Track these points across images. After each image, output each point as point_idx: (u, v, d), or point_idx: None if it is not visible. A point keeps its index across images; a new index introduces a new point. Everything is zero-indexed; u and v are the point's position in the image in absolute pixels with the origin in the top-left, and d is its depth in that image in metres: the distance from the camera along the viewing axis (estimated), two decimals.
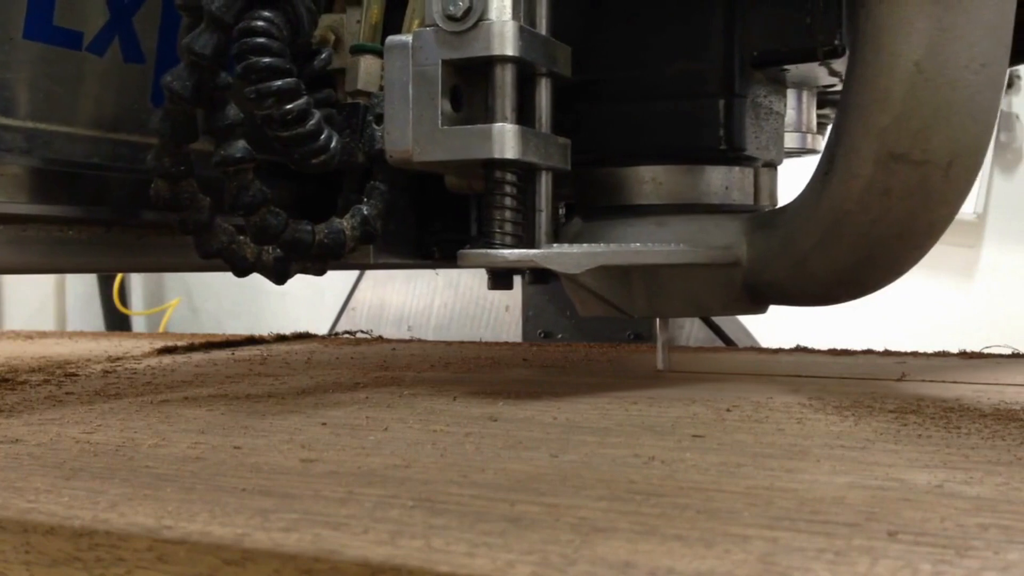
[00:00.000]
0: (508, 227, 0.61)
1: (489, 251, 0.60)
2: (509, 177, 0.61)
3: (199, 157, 0.60)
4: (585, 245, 0.64)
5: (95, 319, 2.40)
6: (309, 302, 2.14)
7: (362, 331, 1.15)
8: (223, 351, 0.99)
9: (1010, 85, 1.93)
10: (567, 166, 0.65)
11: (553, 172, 0.64)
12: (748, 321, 1.35)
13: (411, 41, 0.59)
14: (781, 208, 0.69)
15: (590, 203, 0.71)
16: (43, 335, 1.31)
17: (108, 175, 0.65)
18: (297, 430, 0.52)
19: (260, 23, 0.56)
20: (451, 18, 0.58)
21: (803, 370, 0.76)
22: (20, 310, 2.56)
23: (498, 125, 0.59)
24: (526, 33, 0.60)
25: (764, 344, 1.25)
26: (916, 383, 0.67)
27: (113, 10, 0.64)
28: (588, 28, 0.69)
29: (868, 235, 0.61)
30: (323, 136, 0.59)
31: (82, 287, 2.45)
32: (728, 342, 1.24)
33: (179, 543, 0.33)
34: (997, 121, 0.60)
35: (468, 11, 0.58)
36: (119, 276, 2.30)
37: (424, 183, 0.70)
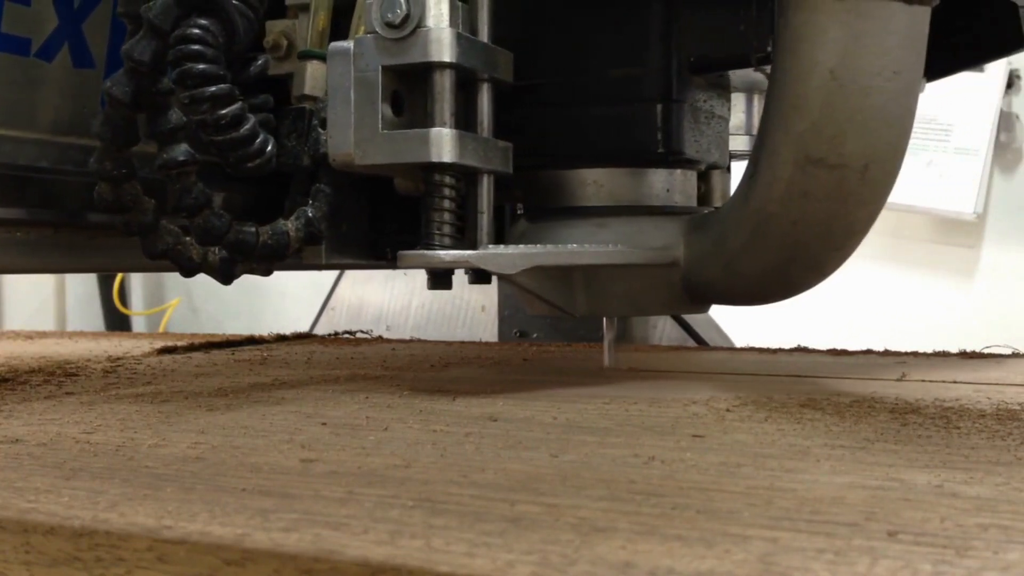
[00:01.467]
0: (447, 228, 0.63)
1: (426, 252, 0.62)
2: (448, 180, 0.63)
3: (144, 160, 0.61)
4: (521, 246, 0.65)
5: (95, 319, 2.40)
6: (309, 302, 2.13)
7: (362, 331, 1.15)
8: (223, 351, 0.99)
9: (1010, 85, 1.93)
10: (509, 169, 0.67)
11: (495, 175, 0.66)
12: (720, 319, 1.36)
13: (352, 47, 0.61)
14: (716, 210, 0.71)
15: (535, 205, 0.73)
16: (43, 335, 1.31)
17: (57, 178, 0.67)
18: (297, 430, 0.52)
19: (195, 31, 0.57)
20: (390, 25, 0.60)
21: (803, 370, 0.76)
22: (20, 310, 2.56)
23: (436, 129, 0.61)
24: (464, 40, 0.62)
25: (735, 343, 1.26)
26: (916, 383, 0.67)
27: (62, 17, 0.65)
28: (531, 34, 0.71)
29: (790, 236, 0.62)
30: (258, 140, 0.60)
31: (82, 287, 2.45)
32: (700, 341, 1.25)
33: (179, 543, 0.33)
34: (913, 126, 0.62)
35: (406, 18, 0.60)
36: (119, 276, 2.30)
37: (377, 185, 0.71)
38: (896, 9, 0.56)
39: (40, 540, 0.36)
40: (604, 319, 0.76)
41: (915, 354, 0.89)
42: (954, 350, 0.88)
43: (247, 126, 0.59)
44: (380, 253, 0.76)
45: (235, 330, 1.55)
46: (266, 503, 0.37)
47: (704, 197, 0.77)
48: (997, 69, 1.92)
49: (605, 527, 0.33)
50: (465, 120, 0.65)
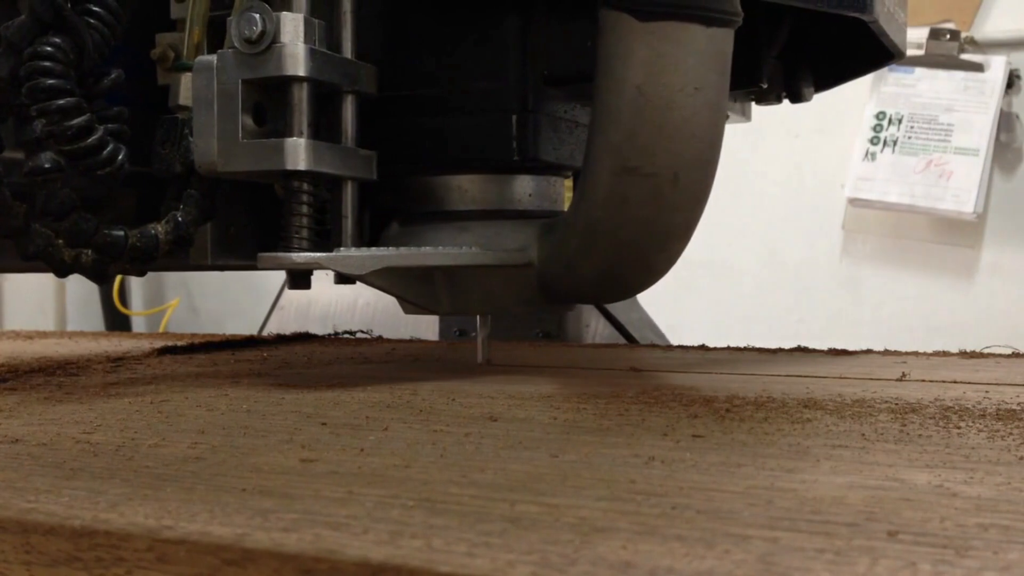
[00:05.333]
0: (305, 232, 0.68)
1: (280, 254, 0.66)
2: (306, 187, 0.67)
3: (14, 166, 0.65)
4: (374, 248, 0.69)
5: (95, 319, 2.40)
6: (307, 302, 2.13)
7: (362, 331, 1.15)
8: (223, 351, 0.99)
9: (1010, 85, 1.93)
10: (372, 176, 0.72)
11: (359, 182, 0.71)
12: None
13: (215, 61, 0.66)
14: (563, 214, 0.76)
15: (407, 209, 0.78)
16: (43, 335, 1.31)
17: None
18: (297, 430, 0.52)
19: (47, 48, 0.61)
20: (248, 41, 0.65)
21: (803, 370, 0.76)
22: (20, 310, 2.56)
23: (291, 139, 0.66)
24: (320, 55, 0.66)
25: (670, 342, 1.27)
26: (916, 383, 0.67)
27: None
28: (398, 49, 0.76)
29: (615, 239, 0.67)
30: (107, 150, 0.64)
31: (82, 287, 2.45)
32: (630, 339, 1.27)
33: (179, 543, 0.33)
34: (723, 136, 0.67)
35: (262, 35, 0.64)
36: (119, 276, 2.30)
37: (265, 189, 0.74)
38: (695, 31, 0.62)
39: (40, 540, 0.36)
40: (477, 317, 0.80)
41: (915, 354, 0.89)
42: (954, 350, 0.88)
43: (95, 136, 0.63)
44: None
45: (235, 330, 1.55)
46: (266, 503, 0.37)
47: None
48: (997, 69, 1.92)
49: (605, 527, 0.33)
50: (329, 130, 0.69)
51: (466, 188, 0.76)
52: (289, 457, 0.45)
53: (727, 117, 0.94)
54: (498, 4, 0.74)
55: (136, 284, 2.49)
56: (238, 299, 2.38)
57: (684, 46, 0.62)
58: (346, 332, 1.15)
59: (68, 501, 0.38)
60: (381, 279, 0.69)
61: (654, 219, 0.66)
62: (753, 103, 0.94)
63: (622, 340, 1.28)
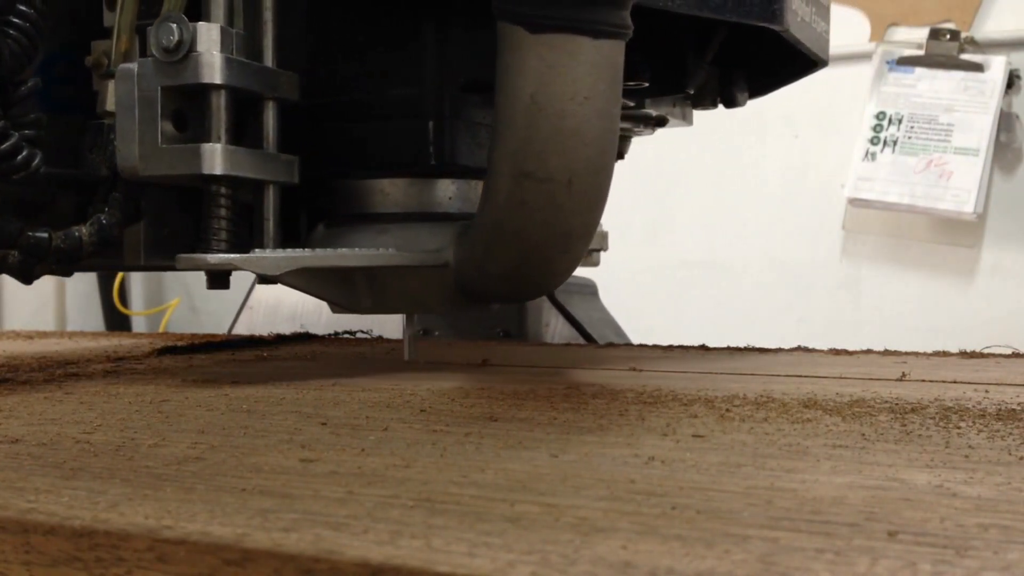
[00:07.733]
0: (223, 234, 0.70)
1: (196, 255, 0.68)
2: (223, 190, 0.70)
3: None
4: (289, 249, 0.71)
5: (95, 319, 2.40)
6: (307, 302, 2.13)
7: (362, 331, 1.15)
8: (223, 351, 0.99)
9: (1010, 85, 1.93)
10: (294, 180, 0.75)
11: (280, 185, 0.73)
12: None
13: (136, 69, 0.68)
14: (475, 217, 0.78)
15: (333, 211, 0.80)
16: (43, 335, 1.31)
17: None
18: (297, 430, 0.52)
19: None
20: (166, 50, 0.67)
21: (803, 370, 0.76)
22: (20, 310, 2.56)
23: (208, 145, 0.68)
24: (236, 63, 0.69)
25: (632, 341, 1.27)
26: (916, 383, 0.67)
27: None
28: (321, 57, 0.79)
29: (517, 241, 0.69)
30: (21, 155, 0.66)
31: (82, 287, 2.45)
32: (589, 339, 1.28)
33: (179, 543, 0.33)
34: (616, 144, 0.69)
35: (179, 43, 0.67)
36: (119, 276, 2.30)
37: (200, 193, 0.76)
38: (583, 43, 0.64)
39: (40, 540, 0.36)
40: (404, 316, 0.82)
41: (915, 354, 0.89)
42: (954, 350, 0.88)
43: (9, 142, 0.65)
44: None
45: (235, 330, 1.55)
46: (266, 503, 0.37)
47: None
48: (997, 69, 1.92)
49: (605, 527, 0.33)
50: (251, 135, 0.72)
51: (388, 191, 0.78)
52: (289, 457, 0.45)
53: (670, 122, 0.98)
54: (416, 13, 0.76)
55: (136, 284, 2.49)
56: (238, 299, 2.37)
57: (574, 57, 0.64)
58: (346, 332, 1.15)
59: (68, 501, 0.38)
60: (299, 280, 0.71)
61: (552, 222, 0.68)
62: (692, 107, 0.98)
63: (581, 339, 1.28)
